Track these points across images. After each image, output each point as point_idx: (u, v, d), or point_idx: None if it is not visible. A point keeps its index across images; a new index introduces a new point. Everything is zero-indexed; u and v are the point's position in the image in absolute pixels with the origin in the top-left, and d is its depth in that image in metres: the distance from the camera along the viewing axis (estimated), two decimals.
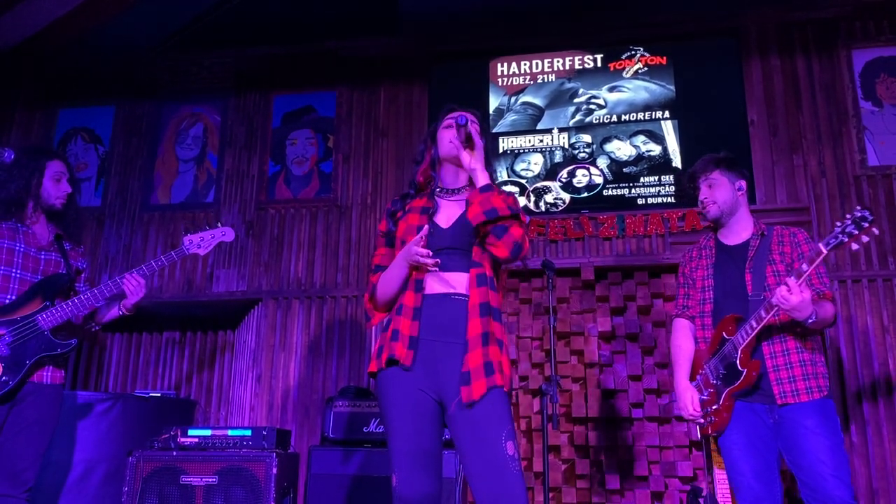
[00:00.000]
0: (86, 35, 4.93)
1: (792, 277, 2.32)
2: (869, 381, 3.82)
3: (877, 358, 3.84)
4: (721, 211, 2.72)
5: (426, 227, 2.08)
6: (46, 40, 4.92)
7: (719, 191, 2.73)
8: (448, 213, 2.19)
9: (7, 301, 2.68)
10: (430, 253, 2.04)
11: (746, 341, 2.45)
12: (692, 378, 2.68)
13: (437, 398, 2.07)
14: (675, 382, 2.72)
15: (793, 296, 2.29)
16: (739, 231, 2.72)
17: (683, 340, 2.76)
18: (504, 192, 2.17)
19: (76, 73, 5.15)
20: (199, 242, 3.00)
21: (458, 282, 2.11)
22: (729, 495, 3.27)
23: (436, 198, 2.24)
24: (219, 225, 3.09)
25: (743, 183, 2.76)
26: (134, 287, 2.81)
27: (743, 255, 2.66)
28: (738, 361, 2.47)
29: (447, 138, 2.22)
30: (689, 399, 2.64)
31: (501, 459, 1.93)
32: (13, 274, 2.71)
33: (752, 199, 4.18)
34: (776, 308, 2.35)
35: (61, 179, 2.86)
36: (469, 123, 2.16)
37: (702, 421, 2.62)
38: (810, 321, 2.35)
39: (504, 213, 2.05)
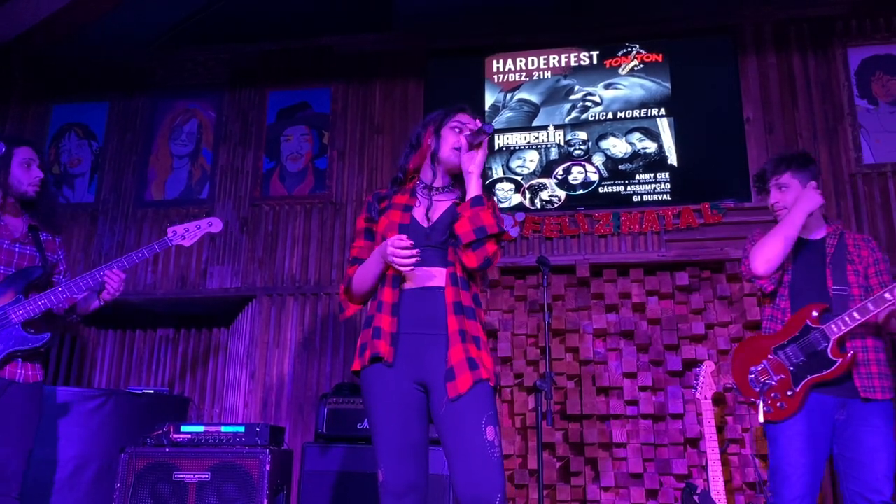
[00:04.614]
0: (80, 31, 4.91)
1: None
2: None
3: None
4: None
5: (405, 237, 2.08)
6: (41, 36, 4.90)
7: (791, 195, 2.70)
8: (431, 211, 2.20)
9: None
10: (411, 253, 2.05)
11: (843, 332, 2.50)
12: (756, 362, 2.61)
13: (422, 388, 2.09)
14: (792, 217, 2.61)
15: None
16: (814, 228, 2.73)
17: None
18: (492, 203, 2.20)
19: (70, 68, 5.12)
20: (184, 234, 2.91)
21: (436, 276, 2.12)
22: (724, 493, 3.28)
23: (418, 195, 2.24)
24: (205, 216, 3.01)
25: (814, 183, 2.72)
26: (115, 284, 2.72)
27: (821, 251, 2.68)
28: (828, 351, 2.50)
29: (451, 143, 2.22)
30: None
31: (480, 444, 1.95)
32: None
33: (747, 196, 4.18)
34: (889, 303, 2.44)
35: (31, 165, 2.77)
36: (484, 133, 2.14)
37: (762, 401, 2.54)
38: None
39: (492, 230, 2.08)
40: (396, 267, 2.07)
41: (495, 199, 2.36)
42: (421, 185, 2.26)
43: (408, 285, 2.13)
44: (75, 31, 4.90)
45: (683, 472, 3.85)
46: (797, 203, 2.63)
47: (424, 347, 2.08)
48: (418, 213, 2.19)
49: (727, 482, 3.70)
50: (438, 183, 2.26)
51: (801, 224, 2.61)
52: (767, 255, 2.62)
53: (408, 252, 2.05)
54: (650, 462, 3.92)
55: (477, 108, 4.60)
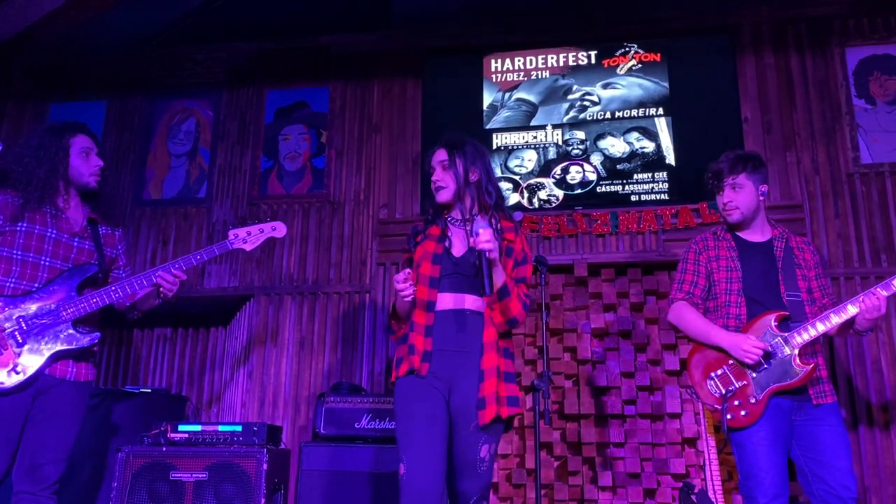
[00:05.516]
0: (77, 29, 4.88)
1: (878, 288, 2.49)
2: (861, 380, 3.82)
3: (869, 356, 3.84)
4: (743, 216, 2.72)
5: (407, 270, 2.41)
6: (38, 34, 4.87)
7: (743, 195, 2.70)
8: (459, 242, 2.52)
9: (34, 289, 2.52)
10: (406, 285, 2.36)
11: (807, 341, 2.55)
12: (715, 368, 2.64)
13: (447, 401, 2.38)
14: (716, 339, 2.62)
15: (882, 306, 2.48)
16: (760, 231, 2.75)
17: (697, 313, 2.73)
18: (520, 282, 2.51)
19: (67, 67, 5.11)
20: (246, 237, 2.83)
21: (467, 300, 2.45)
22: (721, 492, 3.27)
23: (449, 226, 2.56)
24: (269, 219, 2.92)
25: (765, 188, 2.74)
26: (169, 285, 2.65)
27: (770, 254, 2.69)
28: (793, 360, 2.54)
29: (434, 184, 2.57)
30: (750, 339, 2.54)
31: (474, 460, 2.39)
32: (42, 262, 2.56)
33: None
34: (855, 314, 2.51)
35: (90, 154, 2.70)
36: (485, 244, 2.34)
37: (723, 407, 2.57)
38: (870, 332, 2.65)
39: (521, 318, 2.47)
40: (401, 296, 2.39)
41: (525, 242, 2.68)
42: (449, 218, 2.59)
43: (440, 307, 2.44)
44: (73, 31, 4.88)
45: (681, 472, 3.85)
46: (727, 344, 2.59)
47: (455, 367, 2.40)
48: (449, 243, 2.52)
49: (725, 481, 3.70)
50: (461, 216, 2.56)
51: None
52: (679, 327, 2.81)
53: (403, 286, 2.36)
54: (648, 461, 3.92)
55: (475, 108, 4.61)
